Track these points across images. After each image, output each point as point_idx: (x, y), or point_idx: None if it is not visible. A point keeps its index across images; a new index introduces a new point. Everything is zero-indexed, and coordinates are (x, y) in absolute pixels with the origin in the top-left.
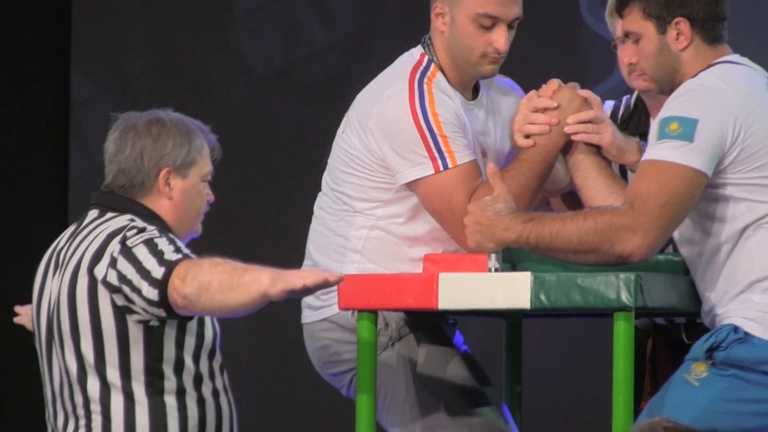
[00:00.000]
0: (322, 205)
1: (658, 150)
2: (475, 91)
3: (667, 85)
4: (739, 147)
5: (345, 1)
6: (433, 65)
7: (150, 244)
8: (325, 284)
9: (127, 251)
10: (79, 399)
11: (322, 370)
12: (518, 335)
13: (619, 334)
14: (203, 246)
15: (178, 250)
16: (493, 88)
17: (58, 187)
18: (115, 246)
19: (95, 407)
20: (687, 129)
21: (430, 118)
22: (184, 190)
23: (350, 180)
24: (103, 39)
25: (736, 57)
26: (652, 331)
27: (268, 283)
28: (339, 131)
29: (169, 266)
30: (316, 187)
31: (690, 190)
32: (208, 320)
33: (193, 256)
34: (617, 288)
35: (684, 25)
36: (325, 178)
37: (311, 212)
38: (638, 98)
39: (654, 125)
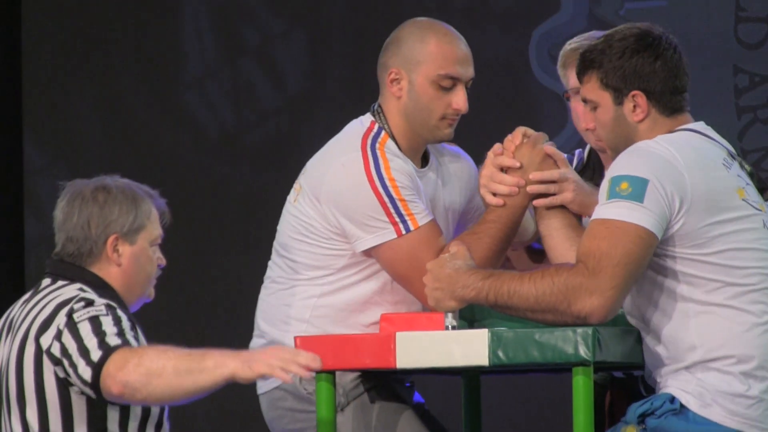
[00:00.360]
0: (270, 274)
1: (608, 209)
2: (424, 159)
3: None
4: (683, 219)
5: (293, 63)
6: (383, 132)
7: (95, 321)
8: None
9: (72, 325)
10: None
11: None
12: (477, 392)
13: (578, 388)
14: (155, 311)
15: (120, 333)
16: (442, 155)
17: (14, 255)
18: (61, 318)
19: None
20: (637, 189)
21: (387, 183)
22: (132, 256)
23: (302, 248)
24: (54, 107)
25: (698, 125)
26: (609, 384)
27: (237, 366)
28: (290, 198)
29: (107, 351)
30: (267, 252)
31: (642, 249)
32: None
33: (134, 342)
34: (575, 343)
35: (641, 98)
36: (275, 246)
37: (262, 277)
38: (591, 150)
39: (604, 183)
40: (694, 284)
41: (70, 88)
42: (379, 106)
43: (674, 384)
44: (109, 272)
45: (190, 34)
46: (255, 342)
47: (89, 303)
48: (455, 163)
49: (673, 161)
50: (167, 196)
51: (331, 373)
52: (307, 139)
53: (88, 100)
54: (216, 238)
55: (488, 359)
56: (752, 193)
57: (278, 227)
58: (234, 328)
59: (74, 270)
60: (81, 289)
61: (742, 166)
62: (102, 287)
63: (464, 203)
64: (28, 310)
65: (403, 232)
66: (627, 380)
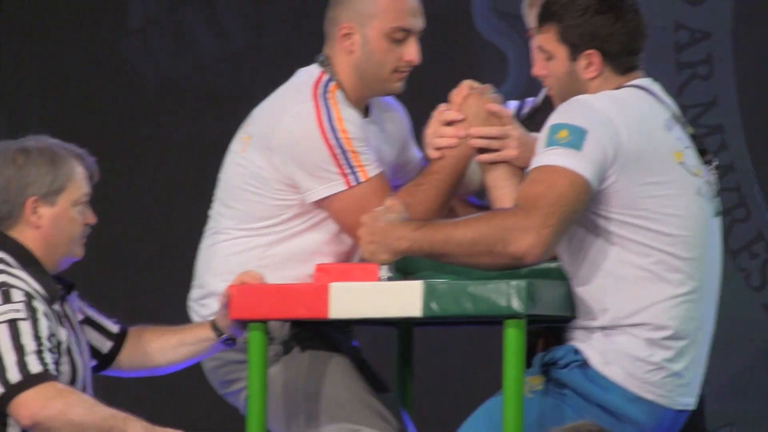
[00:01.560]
0: (213, 225)
1: (546, 156)
2: (365, 110)
3: None
4: (616, 175)
5: (237, 15)
6: (333, 82)
7: (12, 328)
8: None
9: None
10: None
11: (220, 390)
12: (410, 343)
13: (510, 340)
14: (88, 266)
15: (39, 352)
16: (378, 106)
17: None
18: None
19: None
20: (576, 138)
21: (339, 134)
22: (53, 218)
23: (250, 198)
24: None
25: (645, 82)
26: (543, 332)
27: None
28: (235, 149)
29: (28, 379)
30: (209, 202)
31: (577, 194)
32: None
33: (51, 366)
34: (508, 295)
35: (596, 57)
36: (219, 197)
37: (202, 229)
38: (547, 95)
39: (543, 130)
40: (621, 245)
41: (7, 38)
42: (327, 57)
43: (581, 338)
44: (29, 235)
45: None
46: (194, 293)
47: (5, 295)
48: (389, 112)
49: (612, 117)
50: (106, 147)
51: (264, 322)
52: (250, 90)
53: (27, 49)
54: (157, 188)
55: (421, 310)
56: (691, 156)
57: (221, 177)
58: (175, 279)
59: None
60: (2, 261)
61: (684, 128)
62: (20, 254)
63: (396, 154)
64: None
65: (353, 183)
66: (561, 329)
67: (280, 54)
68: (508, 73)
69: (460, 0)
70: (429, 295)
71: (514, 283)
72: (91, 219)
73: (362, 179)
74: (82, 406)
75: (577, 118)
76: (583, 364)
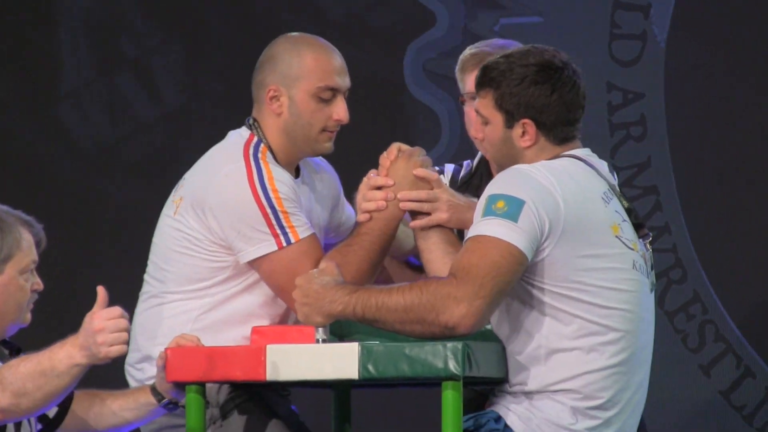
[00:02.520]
0: (148, 289)
1: (482, 226)
2: (296, 171)
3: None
4: (552, 247)
5: (170, 77)
6: (262, 144)
7: None
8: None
9: None
10: None
11: None
12: (347, 406)
13: (447, 403)
14: (35, 332)
15: None
16: (308, 167)
17: None
18: None
19: None
20: (512, 209)
21: (270, 194)
22: (0, 286)
23: (184, 260)
24: None
25: (583, 153)
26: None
27: (82, 357)
28: (167, 212)
29: None
30: (143, 265)
31: (512, 265)
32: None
33: None
34: (445, 357)
35: (530, 127)
36: (152, 260)
37: (138, 291)
38: (482, 158)
39: (481, 200)
40: (555, 316)
41: None
42: (255, 120)
43: (505, 403)
44: None
45: (66, 45)
46: (131, 357)
47: None
48: (320, 173)
49: (551, 188)
50: (42, 209)
51: (202, 384)
52: (184, 153)
53: None
54: (91, 252)
55: (358, 373)
56: (627, 230)
57: (154, 241)
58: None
59: None
60: None
61: (621, 201)
62: None
63: (329, 215)
64: None
65: (284, 244)
66: None
67: (214, 116)
68: (441, 134)
69: (392, 61)
70: (365, 357)
71: (450, 345)
72: (39, 286)
73: (293, 240)
74: (10, 373)
75: (515, 189)
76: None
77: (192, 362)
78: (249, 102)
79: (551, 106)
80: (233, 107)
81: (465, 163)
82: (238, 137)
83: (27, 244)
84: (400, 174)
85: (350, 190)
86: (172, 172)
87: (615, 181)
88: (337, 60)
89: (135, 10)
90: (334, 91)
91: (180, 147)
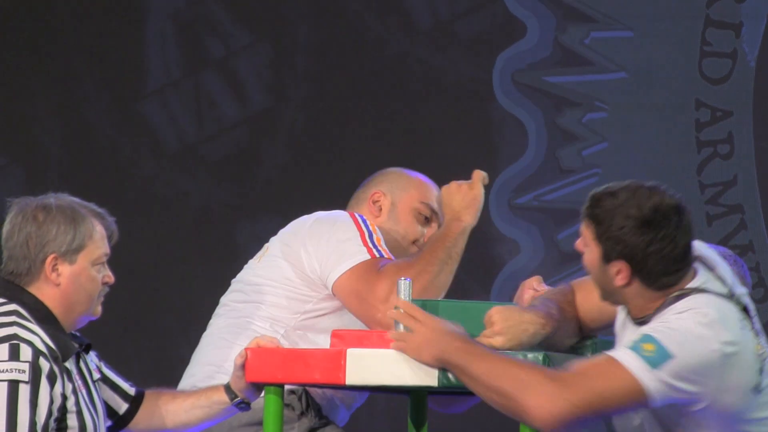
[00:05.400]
0: (233, 314)
1: (623, 353)
2: None
3: (610, 299)
4: (703, 404)
5: (256, 77)
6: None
7: (12, 390)
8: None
9: None
10: None
11: None
12: (423, 412)
13: None
14: (112, 323)
15: (33, 424)
16: None
17: None
18: None
19: None
20: (658, 358)
21: (370, 227)
22: (72, 276)
23: (269, 299)
24: (13, 110)
25: (707, 284)
26: None
27: None
28: (250, 264)
29: None
30: (224, 263)
31: (625, 398)
32: None
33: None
34: None
35: (626, 270)
36: (234, 305)
37: (217, 293)
38: None
39: (636, 331)
40: None
41: (30, 93)
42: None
43: None
44: (47, 292)
45: (153, 44)
46: (205, 369)
47: (13, 351)
48: None
49: (721, 362)
50: (123, 206)
51: (280, 386)
52: (266, 155)
53: (48, 105)
54: (172, 250)
55: (437, 380)
56: (763, 338)
57: (236, 286)
58: (189, 341)
59: (13, 289)
60: (13, 313)
61: (745, 310)
62: (37, 310)
63: None
64: None
65: (376, 255)
66: None
67: (297, 119)
68: (527, 145)
69: (481, 71)
70: None
71: (530, 355)
72: (110, 279)
73: (385, 256)
74: None
75: (673, 341)
76: None
77: (272, 363)
78: (332, 106)
79: (649, 257)
80: (317, 111)
81: None
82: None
83: (99, 236)
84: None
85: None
86: (254, 172)
87: (742, 282)
88: (436, 189)
89: (223, 11)
90: (434, 214)
91: (263, 148)
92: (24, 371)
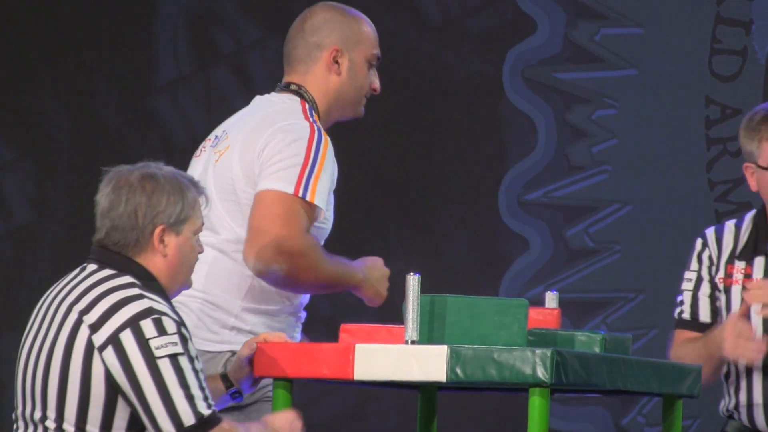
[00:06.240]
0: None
1: None
2: None
3: None
4: None
5: (266, 73)
6: (314, 111)
7: (175, 364)
8: None
9: (147, 356)
10: None
11: None
12: (433, 408)
13: (534, 409)
14: None
15: (202, 388)
16: None
17: None
18: (126, 334)
19: None
20: None
21: (319, 156)
22: (178, 247)
23: (233, 215)
24: (24, 103)
25: None
26: None
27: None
28: (210, 158)
29: (201, 422)
30: None
31: None
32: None
33: (216, 409)
34: (533, 363)
35: None
36: (218, 206)
37: None
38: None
39: None
40: None
41: (40, 87)
42: (298, 85)
43: None
44: (154, 262)
45: (163, 39)
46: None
47: (159, 325)
48: None
49: None
50: None
51: (289, 381)
52: None
53: (58, 99)
54: None
55: (446, 375)
56: None
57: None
58: None
59: (121, 260)
60: (134, 285)
61: None
62: (148, 279)
63: None
64: (77, 294)
65: (300, 195)
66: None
67: None
68: (537, 141)
69: (491, 67)
70: (454, 360)
71: (539, 351)
72: (201, 249)
73: (308, 198)
74: None
75: None
76: None
77: (280, 358)
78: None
79: None
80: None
81: (729, 222)
82: (291, 103)
83: (198, 206)
84: None
85: (446, 189)
86: None
87: None
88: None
89: (234, 5)
90: (378, 61)
91: None
92: (176, 343)
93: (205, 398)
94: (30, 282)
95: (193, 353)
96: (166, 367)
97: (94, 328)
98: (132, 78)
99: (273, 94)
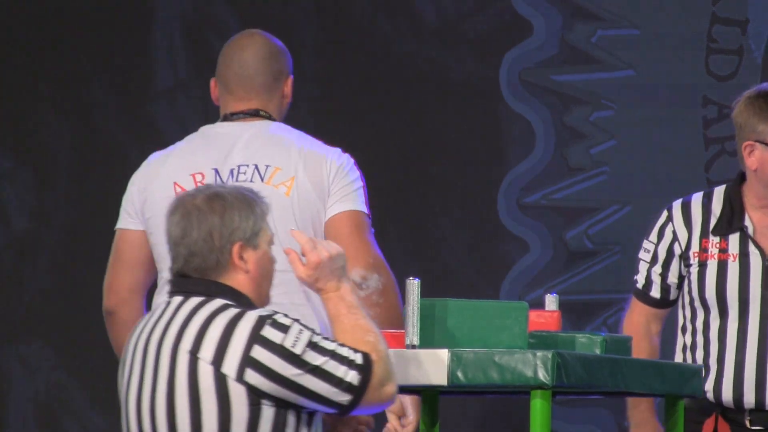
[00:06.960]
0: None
1: None
2: None
3: None
4: None
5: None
6: None
7: (316, 348)
8: None
9: (293, 359)
10: None
11: None
12: (435, 412)
13: (536, 412)
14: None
15: (341, 346)
16: None
17: None
18: (260, 352)
19: None
20: None
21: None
22: (257, 260)
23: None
24: (21, 112)
25: None
26: (717, 411)
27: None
28: (279, 192)
29: (365, 373)
30: None
31: None
32: None
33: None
34: (534, 366)
35: None
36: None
37: None
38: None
39: None
40: None
41: (38, 96)
42: (267, 112)
43: None
44: (238, 281)
45: (161, 47)
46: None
47: (278, 325)
48: None
49: None
50: None
51: None
52: None
53: (56, 108)
54: None
55: (447, 379)
56: None
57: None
58: None
59: (206, 285)
60: (228, 305)
61: None
62: (239, 296)
63: None
64: (175, 333)
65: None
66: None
67: (305, 120)
68: (535, 144)
69: (488, 70)
70: (455, 364)
71: (540, 354)
72: (275, 259)
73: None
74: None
75: None
76: None
77: None
78: (339, 106)
79: None
80: (327, 111)
81: (696, 195)
82: (288, 129)
83: (266, 217)
84: None
85: (445, 192)
86: None
87: None
88: None
89: (230, 12)
90: None
91: None
92: (302, 330)
93: (348, 348)
94: (29, 292)
95: (311, 326)
96: (312, 356)
97: (217, 362)
98: (130, 86)
99: (252, 121)
